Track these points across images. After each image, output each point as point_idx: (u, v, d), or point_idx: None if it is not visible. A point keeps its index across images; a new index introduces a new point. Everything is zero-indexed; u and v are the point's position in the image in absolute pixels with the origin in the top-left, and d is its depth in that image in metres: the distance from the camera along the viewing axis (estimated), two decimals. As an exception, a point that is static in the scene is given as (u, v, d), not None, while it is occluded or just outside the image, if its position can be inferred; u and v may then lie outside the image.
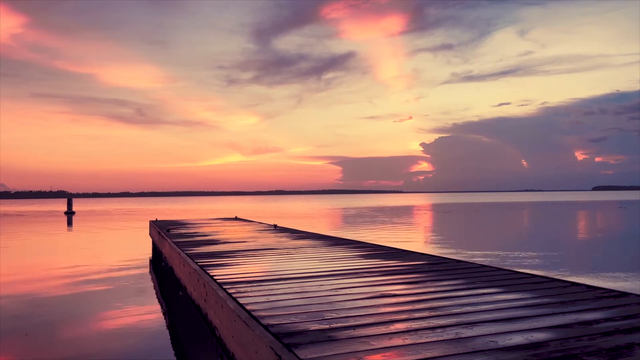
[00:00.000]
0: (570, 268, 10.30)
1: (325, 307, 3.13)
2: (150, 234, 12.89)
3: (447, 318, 2.81)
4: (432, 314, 2.92)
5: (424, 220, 30.54)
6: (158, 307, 7.42)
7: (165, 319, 6.68)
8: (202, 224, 12.17)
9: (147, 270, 11.05)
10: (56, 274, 10.77)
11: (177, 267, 6.24)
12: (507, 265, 10.27)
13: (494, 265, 4.86)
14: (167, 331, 6.11)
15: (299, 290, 3.73)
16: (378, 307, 3.13)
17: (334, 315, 2.92)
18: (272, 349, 2.27)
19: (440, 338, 2.42)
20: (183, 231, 9.97)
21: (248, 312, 3.02)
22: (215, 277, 4.32)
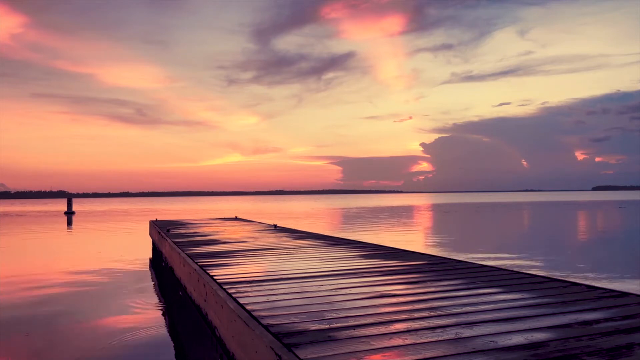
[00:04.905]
0: (570, 268, 10.30)
1: (325, 307, 3.13)
2: (150, 234, 12.89)
3: (447, 318, 2.81)
4: (432, 314, 2.92)
5: (424, 220, 30.54)
6: (158, 307, 7.42)
7: (165, 319, 6.67)
8: (202, 224, 12.16)
9: (147, 270, 11.04)
10: (56, 274, 10.77)
11: (177, 267, 6.24)
12: (506, 265, 10.27)
13: (494, 265, 4.85)
14: (167, 331, 6.11)
15: (299, 290, 3.73)
16: (378, 307, 3.13)
17: (334, 315, 2.92)
18: (272, 349, 2.27)
19: (440, 338, 2.42)
20: (183, 231, 9.97)
21: (248, 312, 3.01)
22: (215, 277, 4.32)
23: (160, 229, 10.10)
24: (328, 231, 17.95)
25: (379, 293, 3.58)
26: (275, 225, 10.89)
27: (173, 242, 7.56)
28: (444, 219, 31.18)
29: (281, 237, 8.36)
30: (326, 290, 3.71)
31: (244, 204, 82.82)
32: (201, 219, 14.71)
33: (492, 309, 3.03)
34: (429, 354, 2.17)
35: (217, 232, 9.75)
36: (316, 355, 2.16)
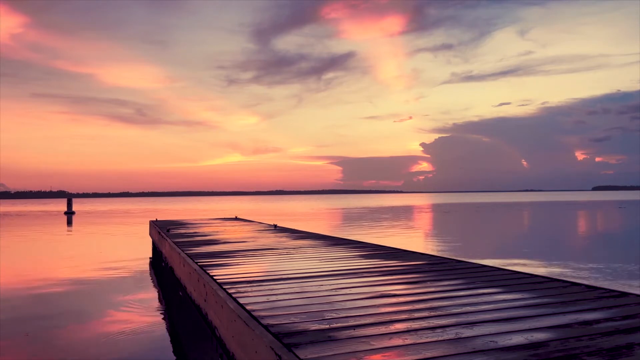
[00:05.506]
0: (570, 268, 10.30)
1: (325, 307, 3.12)
2: (150, 234, 12.89)
3: (447, 318, 2.81)
4: (432, 314, 2.92)
5: (424, 220, 30.54)
6: (158, 307, 7.42)
7: (165, 319, 6.68)
8: (202, 224, 12.16)
9: (147, 270, 11.05)
10: (56, 274, 10.77)
11: (177, 267, 6.24)
12: (506, 265, 10.27)
13: (494, 265, 4.85)
14: (167, 331, 6.11)
15: (299, 290, 3.73)
16: (378, 307, 3.13)
17: (334, 315, 2.92)
18: (272, 349, 2.27)
19: (440, 338, 2.42)
20: (183, 231, 9.97)
21: (248, 312, 3.01)
22: (215, 277, 4.32)
23: (160, 229, 10.10)
24: (328, 231, 17.95)
25: (379, 293, 3.58)
26: (275, 225, 10.89)
27: (173, 242, 7.56)
28: (444, 219, 31.18)
29: (281, 237, 8.36)
30: (326, 290, 3.71)
31: (244, 204, 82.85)
32: (201, 219, 14.71)
33: (492, 309, 3.03)
34: (429, 354, 2.17)
35: (217, 232, 9.74)
36: (316, 355, 2.16)
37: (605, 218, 30.61)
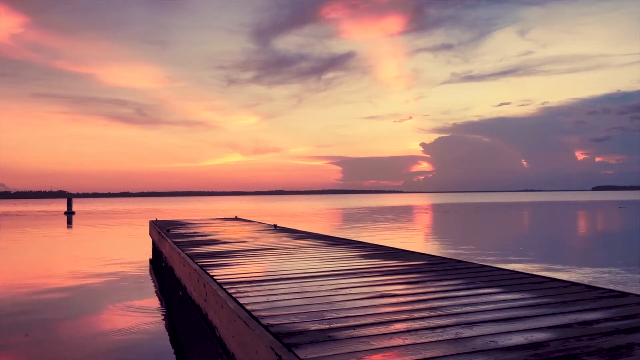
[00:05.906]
0: (570, 268, 10.30)
1: (325, 307, 3.12)
2: (150, 234, 12.88)
3: (447, 318, 2.81)
4: (432, 314, 2.92)
5: (424, 220, 30.54)
6: (158, 307, 7.42)
7: (165, 319, 6.68)
8: (202, 224, 12.16)
9: (147, 270, 11.04)
10: (56, 274, 10.77)
11: (177, 267, 6.23)
12: (507, 265, 10.27)
13: (494, 265, 4.85)
14: (167, 331, 6.11)
15: (299, 290, 3.72)
16: (378, 307, 3.13)
17: (334, 315, 2.91)
18: (272, 349, 2.27)
19: (440, 338, 2.42)
20: (183, 231, 9.97)
21: (248, 312, 3.01)
22: (215, 277, 4.32)
23: (160, 229, 10.09)
24: (328, 231, 17.95)
25: (379, 293, 3.58)
26: (275, 225, 10.89)
27: (173, 242, 7.56)
28: (444, 219, 31.19)
29: (281, 237, 8.36)
30: (326, 290, 3.71)
31: (244, 204, 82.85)
32: (201, 219, 14.70)
33: (492, 309, 3.02)
34: (429, 354, 2.17)
35: (217, 232, 9.74)
36: (316, 355, 2.16)
37: (605, 218, 30.61)
